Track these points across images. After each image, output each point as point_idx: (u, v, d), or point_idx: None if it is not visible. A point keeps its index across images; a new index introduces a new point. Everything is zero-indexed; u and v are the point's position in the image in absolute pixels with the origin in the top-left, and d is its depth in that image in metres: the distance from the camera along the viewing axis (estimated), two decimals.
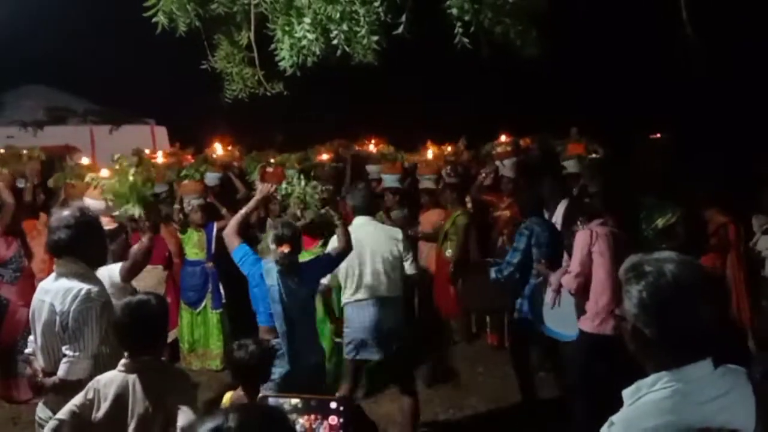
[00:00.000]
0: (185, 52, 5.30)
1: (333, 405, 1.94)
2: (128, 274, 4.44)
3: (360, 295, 5.35)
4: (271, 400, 1.90)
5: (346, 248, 5.04)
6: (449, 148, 9.28)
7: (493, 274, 5.98)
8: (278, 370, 4.58)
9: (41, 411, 3.56)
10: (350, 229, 5.42)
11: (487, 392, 6.61)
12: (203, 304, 7.37)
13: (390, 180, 8.57)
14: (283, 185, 5.34)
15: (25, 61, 12.56)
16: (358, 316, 5.34)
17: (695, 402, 1.85)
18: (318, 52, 4.20)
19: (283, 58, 4.36)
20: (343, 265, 5.26)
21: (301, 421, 1.94)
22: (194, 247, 7.40)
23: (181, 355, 7.51)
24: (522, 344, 6.12)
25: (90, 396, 3.13)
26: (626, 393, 1.96)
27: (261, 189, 5.21)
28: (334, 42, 3.92)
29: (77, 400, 3.16)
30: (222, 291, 7.39)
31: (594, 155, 8.67)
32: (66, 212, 3.65)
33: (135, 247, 4.59)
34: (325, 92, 10.84)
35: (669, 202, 6.33)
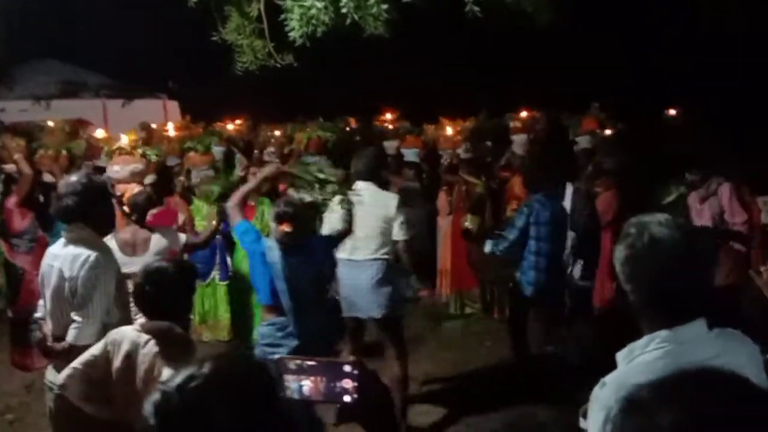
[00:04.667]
0: (197, 26, 5.30)
1: (347, 368, 1.93)
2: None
3: (352, 255, 5.42)
4: (286, 362, 1.89)
5: (347, 231, 5.09)
6: (467, 123, 9.25)
7: (488, 247, 6.03)
8: (285, 349, 4.57)
9: (50, 374, 3.59)
10: (350, 192, 5.42)
11: (493, 365, 6.65)
12: (212, 276, 7.39)
13: (409, 155, 8.65)
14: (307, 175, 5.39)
15: (39, 35, 12.57)
16: (349, 274, 5.43)
17: (688, 362, 1.83)
18: (327, 21, 4.17)
19: (293, 29, 4.34)
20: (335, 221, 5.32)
21: (308, 383, 1.93)
22: (203, 220, 7.38)
23: (192, 326, 7.54)
24: (518, 317, 6.16)
25: (109, 348, 3.16)
26: (620, 355, 1.97)
27: (270, 168, 5.24)
28: (344, 10, 3.89)
29: (94, 350, 3.18)
30: (229, 263, 7.40)
31: (608, 131, 8.66)
32: (73, 178, 3.66)
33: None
34: (339, 65, 10.81)
35: (675, 180, 6.30)
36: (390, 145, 9.04)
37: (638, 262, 1.91)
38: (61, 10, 12.19)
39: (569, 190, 6.59)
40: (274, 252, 4.59)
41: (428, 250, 8.80)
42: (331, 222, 5.30)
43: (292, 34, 4.34)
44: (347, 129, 9.72)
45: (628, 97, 10.35)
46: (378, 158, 5.90)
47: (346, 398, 1.93)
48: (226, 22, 5.16)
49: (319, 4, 3.95)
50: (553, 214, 5.87)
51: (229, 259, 7.41)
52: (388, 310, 5.40)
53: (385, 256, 5.46)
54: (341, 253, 5.43)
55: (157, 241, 5.06)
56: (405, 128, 9.22)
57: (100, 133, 9.10)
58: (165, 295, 3.18)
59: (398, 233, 5.43)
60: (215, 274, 7.41)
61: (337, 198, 5.15)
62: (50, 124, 8.67)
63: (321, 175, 5.21)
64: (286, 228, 4.53)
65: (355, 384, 1.91)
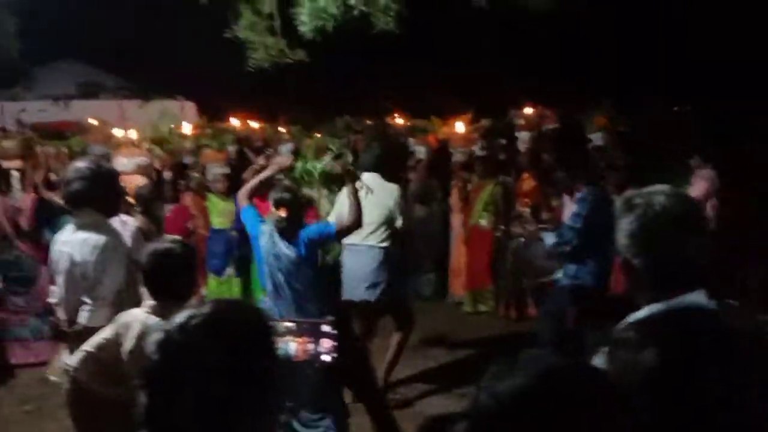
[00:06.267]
0: (215, 28, 5.39)
1: (325, 328, 2.00)
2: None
3: (356, 241, 5.58)
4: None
5: (353, 224, 5.04)
6: (482, 122, 9.24)
7: (551, 239, 5.73)
8: None
9: (65, 357, 3.64)
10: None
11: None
12: (228, 271, 7.46)
13: (421, 152, 8.77)
14: (304, 165, 5.55)
15: (59, 37, 12.75)
16: (352, 259, 5.66)
17: None
18: (336, 14, 4.25)
19: (303, 23, 4.43)
20: (345, 213, 5.34)
21: (294, 344, 2.00)
22: (219, 216, 7.47)
23: None
24: (561, 311, 5.75)
25: (119, 331, 3.20)
26: (611, 336, 1.94)
27: (278, 161, 5.41)
28: (351, 1, 3.98)
29: (105, 333, 3.24)
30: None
31: (621, 128, 8.65)
32: (81, 164, 3.73)
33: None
34: (346, 64, 10.85)
35: (679, 178, 6.30)
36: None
37: (650, 231, 1.89)
38: (79, 13, 12.37)
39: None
40: (264, 237, 4.83)
41: (444, 249, 8.88)
42: (340, 212, 5.44)
43: (302, 29, 4.42)
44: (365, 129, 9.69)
45: (637, 93, 10.31)
46: (385, 152, 5.98)
47: (326, 358, 2.00)
48: (239, 19, 5.26)
49: None
50: (608, 203, 5.75)
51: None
52: (384, 295, 5.60)
53: (384, 245, 5.63)
54: (347, 240, 5.59)
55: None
56: (418, 126, 9.27)
57: (118, 133, 9.26)
58: (174, 274, 3.24)
59: (400, 222, 5.68)
60: (231, 270, 7.49)
61: (345, 190, 5.29)
62: (91, 122, 8.88)
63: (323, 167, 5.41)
64: (282, 213, 4.74)
65: (334, 344, 1.98)
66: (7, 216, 6.95)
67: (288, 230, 4.77)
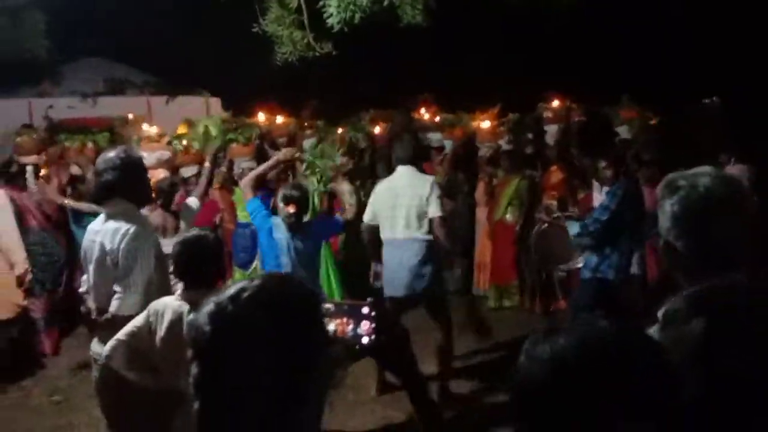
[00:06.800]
0: (239, 22, 5.41)
1: (365, 310, 2.00)
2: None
3: (393, 235, 5.60)
4: None
5: (355, 215, 5.39)
6: (509, 116, 9.19)
7: (576, 229, 5.69)
8: None
9: (95, 346, 3.70)
10: (391, 176, 5.74)
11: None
12: (253, 265, 7.49)
13: (447, 146, 8.83)
14: (308, 156, 5.67)
15: (86, 34, 12.87)
16: (392, 254, 5.61)
17: None
18: (364, 4, 4.25)
19: (331, 15, 4.42)
20: (381, 208, 5.61)
21: (332, 326, 2.01)
22: (244, 210, 7.51)
23: None
24: (587, 305, 5.70)
25: (151, 319, 3.26)
26: (660, 312, 1.91)
27: (285, 152, 5.65)
28: None
29: (137, 321, 3.29)
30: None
31: (651, 122, 8.59)
32: (111, 154, 3.78)
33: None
34: (370, 57, 10.82)
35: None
36: (434, 138, 9.07)
37: (695, 213, 1.85)
38: (105, 10, 12.46)
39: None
40: (280, 229, 5.08)
41: (470, 243, 8.87)
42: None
43: (330, 21, 4.42)
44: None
45: (663, 86, 10.21)
46: (417, 145, 6.03)
47: (365, 340, 2.01)
48: (266, 14, 5.28)
49: None
50: (638, 197, 5.68)
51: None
52: (430, 286, 5.57)
53: (426, 237, 5.57)
54: (383, 234, 5.66)
55: (183, 224, 5.44)
56: (448, 120, 9.25)
57: (146, 128, 9.32)
58: (204, 262, 3.29)
59: (433, 210, 5.52)
60: (257, 263, 7.51)
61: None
62: (130, 117, 8.99)
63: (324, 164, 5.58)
64: (291, 209, 5.01)
65: (373, 326, 2.00)
66: (35, 208, 7.07)
67: (296, 225, 5.06)
